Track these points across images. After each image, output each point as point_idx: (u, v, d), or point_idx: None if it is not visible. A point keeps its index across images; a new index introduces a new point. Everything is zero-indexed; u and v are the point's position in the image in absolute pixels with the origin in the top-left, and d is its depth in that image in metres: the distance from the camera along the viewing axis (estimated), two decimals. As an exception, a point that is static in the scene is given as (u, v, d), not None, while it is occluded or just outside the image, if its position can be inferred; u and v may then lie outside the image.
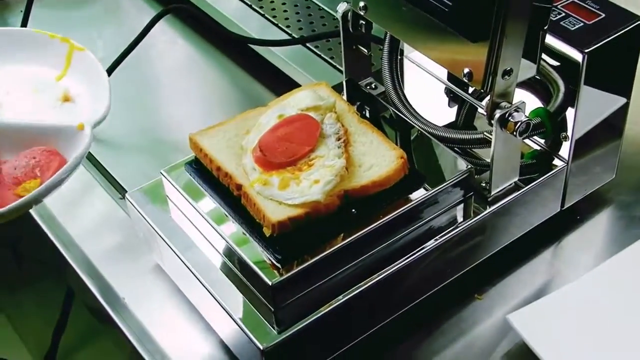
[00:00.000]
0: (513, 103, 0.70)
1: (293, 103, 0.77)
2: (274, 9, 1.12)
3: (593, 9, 0.76)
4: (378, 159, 0.73)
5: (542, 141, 0.80)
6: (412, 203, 0.72)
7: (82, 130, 0.73)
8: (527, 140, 0.80)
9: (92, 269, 0.82)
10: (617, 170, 0.84)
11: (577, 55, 0.73)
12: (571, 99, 0.75)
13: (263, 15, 1.11)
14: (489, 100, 0.70)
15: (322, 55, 1.03)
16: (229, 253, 0.71)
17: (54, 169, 0.70)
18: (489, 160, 0.74)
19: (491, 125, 0.71)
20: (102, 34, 1.17)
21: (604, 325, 0.73)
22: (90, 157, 0.97)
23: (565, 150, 0.78)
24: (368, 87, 0.87)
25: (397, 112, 0.83)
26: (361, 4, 0.77)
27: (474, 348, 0.74)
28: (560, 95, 0.76)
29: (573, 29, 0.74)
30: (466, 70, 0.69)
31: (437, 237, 0.73)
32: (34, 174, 0.71)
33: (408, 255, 0.71)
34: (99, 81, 0.77)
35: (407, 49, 0.88)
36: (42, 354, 1.06)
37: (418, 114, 0.82)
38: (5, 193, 0.71)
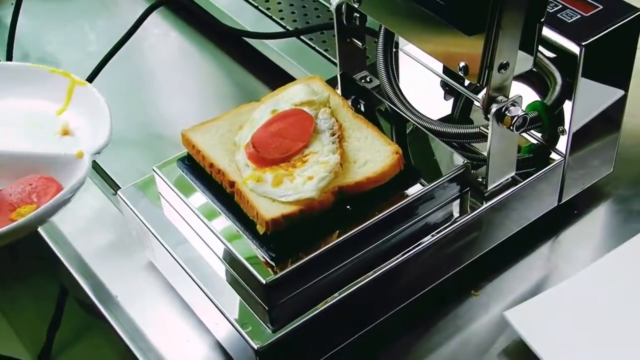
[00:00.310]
0: (510, 97, 0.69)
1: (287, 98, 0.76)
2: (267, 1, 1.11)
3: (590, 1, 0.75)
4: (373, 154, 0.72)
5: (539, 135, 0.79)
6: (407, 199, 0.71)
7: (81, 158, 0.72)
8: (524, 134, 0.79)
9: (85, 267, 0.81)
10: (615, 163, 0.84)
11: (574, 48, 0.72)
12: (568, 92, 0.74)
13: (257, 8, 1.10)
14: (485, 94, 0.69)
15: (317, 48, 1.02)
16: (222, 251, 0.70)
17: (51, 195, 0.70)
18: (485, 154, 0.73)
19: (487, 119, 0.70)
20: (95, 26, 1.16)
21: (602, 322, 0.72)
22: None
23: (562, 144, 0.77)
24: (363, 81, 0.86)
25: (392, 106, 0.82)
26: (355, -4, 0.76)
27: (471, 345, 0.74)
28: (557, 88, 0.75)
29: (570, 21, 0.74)
30: (462, 64, 0.68)
31: (433, 233, 0.72)
32: (30, 200, 0.71)
33: (404, 252, 0.71)
34: (101, 114, 0.77)
35: (402, 42, 0.87)
36: (37, 349, 1.05)
37: (413, 107, 0.81)
38: (1, 218, 0.70)
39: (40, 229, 0.84)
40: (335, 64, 0.89)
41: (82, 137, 0.78)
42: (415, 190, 0.72)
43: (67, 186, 0.72)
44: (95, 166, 0.94)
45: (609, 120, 0.80)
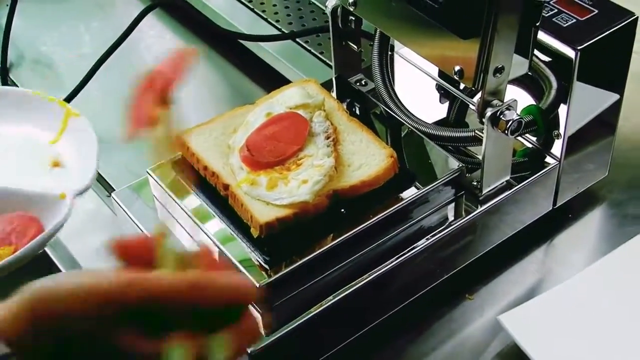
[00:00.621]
0: (505, 101, 0.69)
1: (281, 101, 0.75)
2: (263, 4, 1.11)
3: (586, 5, 0.75)
4: (368, 158, 0.71)
5: (534, 139, 0.79)
6: (402, 202, 0.71)
7: (64, 199, 0.73)
8: (519, 138, 0.79)
9: (79, 269, 0.81)
10: (610, 167, 0.84)
11: (569, 52, 0.72)
12: (563, 96, 0.74)
13: (252, 10, 1.10)
14: (480, 98, 0.69)
15: (312, 51, 1.02)
16: (216, 254, 0.70)
17: (30, 236, 0.70)
18: (480, 158, 0.73)
19: (482, 123, 0.70)
20: (89, 27, 1.16)
21: (596, 326, 0.72)
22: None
23: (557, 148, 0.77)
24: (358, 84, 0.86)
25: (387, 109, 0.82)
26: (350, -1, 0.76)
27: (465, 348, 0.74)
28: (553, 92, 0.75)
29: (565, 25, 0.73)
30: (457, 67, 0.68)
31: (428, 237, 0.72)
32: (9, 241, 0.71)
33: (398, 256, 0.70)
34: (89, 149, 0.78)
35: (398, 45, 0.87)
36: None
37: (408, 111, 0.81)
38: None
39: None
40: (330, 66, 0.88)
41: (70, 171, 0.78)
42: (410, 193, 0.71)
43: (47, 225, 0.72)
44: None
45: (604, 124, 0.80)
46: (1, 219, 0.73)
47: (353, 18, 0.80)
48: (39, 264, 0.87)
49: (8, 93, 0.85)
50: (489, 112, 0.69)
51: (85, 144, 0.78)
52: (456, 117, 0.84)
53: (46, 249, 0.83)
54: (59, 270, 0.81)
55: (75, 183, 0.75)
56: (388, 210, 0.70)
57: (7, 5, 1.08)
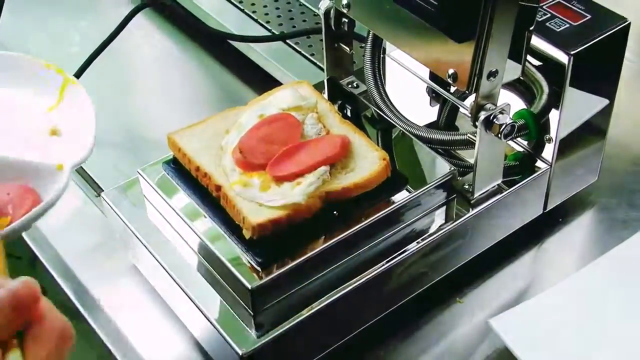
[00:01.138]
0: (498, 105, 0.69)
1: (274, 103, 0.75)
2: (253, 4, 1.10)
3: (579, 10, 0.75)
4: (360, 160, 0.71)
5: (526, 143, 0.80)
6: (394, 205, 0.71)
7: (61, 170, 0.71)
8: (510, 142, 0.79)
9: (66, 269, 0.81)
10: (600, 172, 0.84)
11: (562, 57, 0.72)
12: (555, 100, 0.75)
13: (242, 11, 1.09)
14: (473, 101, 0.69)
15: (303, 52, 1.02)
16: (207, 255, 0.69)
17: (27, 207, 0.68)
18: (472, 161, 0.73)
19: (475, 126, 0.70)
20: (79, 27, 1.16)
21: (586, 330, 0.72)
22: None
23: (548, 152, 0.78)
24: (350, 86, 0.85)
25: (379, 111, 0.81)
26: (344, 1, 0.76)
27: (455, 352, 0.74)
28: (544, 96, 0.75)
29: (559, 30, 0.74)
30: (451, 71, 0.68)
31: (419, 240, 0.72)
32: (6, 211, 0.69)
33: (390, 258, 0.70)
34: (87, 119, 0.76)
35: (390, 47, 0.87)
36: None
37: (400, 113, 0.81)
38: None
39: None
40: (321, 68, 0.88)
41: (68, 140, 0.76)
42: (401, 196, 0.71)
43: (44, 196, 0.70)
44: (79, 168, 0.93)
45: (595, 129, 0.80)
46: None
47: (346, 20, 0.80)
48: (24, 262, 0.87)
49: (3, 57, 0.82)
50: (482, 115, 0.69)
51: (83, 113, 0.77)
52: (446, 120, 0.84)
53: (33, 248, 0.83)
54: (46, 270, 0.81)
55: (73, 154, 0.73)
56: (380, 213, 0.70)
57: (-5, 3, 1.07)
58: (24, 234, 0.83)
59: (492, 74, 0.67)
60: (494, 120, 0.69)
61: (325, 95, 0.84)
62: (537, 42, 0.73)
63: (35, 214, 0.68)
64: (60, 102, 0.78)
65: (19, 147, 0.74)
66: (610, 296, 0.75)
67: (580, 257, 0.81)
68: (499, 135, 0.69)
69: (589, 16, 0.74)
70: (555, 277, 0.78)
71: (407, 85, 0.86)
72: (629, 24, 0.74)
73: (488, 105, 0.69)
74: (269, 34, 1.05)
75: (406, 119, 0.80)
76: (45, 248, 0.83)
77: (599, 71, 0.76)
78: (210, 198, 0.71)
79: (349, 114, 0.82)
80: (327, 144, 0.71)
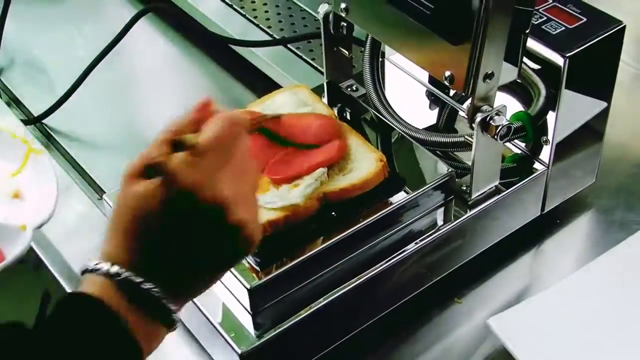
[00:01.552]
0: (494, 107, 0.70)
1: (273, 107, 0.76)
2: (255, 10, 1.11)
3: (574, 13, 0.76)
4: (358, 162, 0.72)
5: (523, 145, 0.80)
6: (392, 206, 0.71)
7: (24, 231, 0.77)
8: (507, 144, 0.80)
9: (70, 271, 0.81)
10: (597, 174, 0.84)
11: (558, 59, 0.73)
12: (552, 102, 0.75)
13: (244, 16, 1.10)
14: (470, 103, 0.70)
15: (303, 57, 1.03)
16: (208, 256, 0.70)
17: None
18: (469, 163, 0.73)
19: (472, 128, 0.70)
20: (82, 31, 1.16)
21: (584, 330, 0.72)
22: (68, 157, 0.96)
23: (545, 154, 0.78)
24: (349, 89, 0.86)
25: (378, 114, 0.82)
26: (342, 5, 0.77)
27: (453, 352, 0.74)
28: (541, 99, 0.76)
29: (554, 33, 0.74)
30: (447, 73, 0.69)
31: (417, 241, 0.73)
32: None
33: (388, 259, 0.71)
34: (50, 185, 0.82)
35: (389, 51, 0.87)
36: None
37: (399, 116, 0.82)
38: None
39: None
40: (321, 72, 0.89)
41: (30, 203, 0.82)
42: (399, 197, 0.72)
43: (7, 254, 0.76)
44: (81, 170, 0.94)
45: (592, 131, 0.81)
46: None
47: (345, 24, 0.81)
48: (28, 266, 0.88)
49: None
50: (478, 117, 0.69)
51: (45, 181, 0.83)
52: (446, 123, 0.85)
53: (37, 250, 0.83)
54: (50, 273, 0.82)
55: (35, 216, 0.79)
56: (378, 214, 0.70)
57: (0, 8, 1.08)
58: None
59: (488, 76, 0.68)
60: (491, 122, 0.70)
61: (325, 99, 0.85)
62: (533, 44, 0.73)
63: (1, 268, 0.74)
64: (23, 167, 0.85)
65: None
66: (608, 296, 0.75)
67: (578, 259, 0.81)
68: (496, 136, 0.70)
69: (585, 19, 0.75)
70: (553, 277, 0.79)
71: (406, 88, 0.86)
72: (624, 26, 0.75)
73: (484, 107, 0.69)
74: (270, 38, 1.06)
75: (405, 121, 0.81)
76: (50, 252, 0.83)
77: (595, 74, 0.77)
78: (210, 199, 0.71)
79: (348, 116, 0.83)
80: (324, 146, 0.72)
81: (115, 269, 0.51)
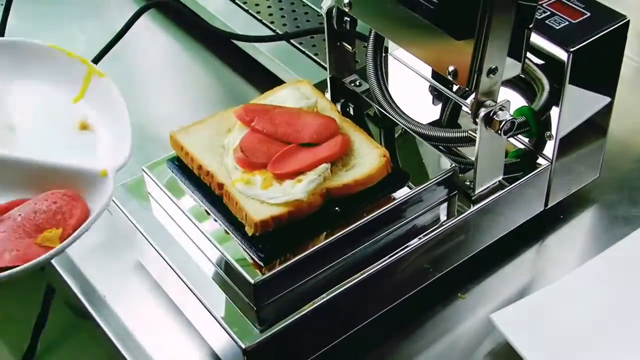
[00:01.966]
0: (498, 101, 0.70)
1: (276, 103, 0.76)
2: (257, 5, 1.11)
3: (578, 8, 0.76)
4: (361, 157, 0.72)
5: (527, 140, 0.80)
6: (395, 201, 0.71)
7: (105, 177, 0.68)
8: (511, 139, 0.80)
9: (73, 266, 0.81)
10: (601, 169, 0.84)
11: (562, 54, 0.73)
12: (556, 98, 0.75)
13: (247, 11, 1.10)
14: (473, 98, 0.70)
15: (306, 52, 1.03)
16: (211, 251, 0.70)
17: (77, 217, 0.65)
18: (473, 158, 0.73)
19: (476, 123, 0.70)
20: (84, 28, 1.16)
21: (587, 325, 0.72)
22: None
23: (549, 149, 0.78)
24: (352, 85, 0.86)
25: (381, 109, 0.82)
26: (345, 0, 0.77)
27: (457, 347, 0.74)
28: (545, 94, 0.76)
29: (558, 27, 0.74)
30: (451, 68, 0.69)
31: (420, 236, 0.73)
32: (56, 221, 0.65)
33: (391, 254, 0.71)
34: (120, 115, 0.71)
35: (392, 46, 0.87)
36: (22, 349, 1.05)
37: (402, 111, 0.82)
38: (26, 241, 0.65)
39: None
40: (324, 68, 0.89)
41: (101, 136, 0.72)
42: (403, 193, 0.72)
43: (91, 204, 0.67)
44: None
45: (596, 126, 0.80)
46: (42, 197, 0.67)
47: (348, 19, 0.81)
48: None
49: (21, 45, 0.77)
50: (482, 112, 0.69)
51: (113, 107, 0.72)
52: (449, 118, 0.85)
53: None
54: (53, 267, 0.82)
55: (112, 154, 0.69)
56: (381, 209, 0.70)
57: (2, 5, 1.08)
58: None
59: (492, 71, 0.68)
60: (494, 116, 0.70)
61: (328, 94, 0.85)
62: (536, 39, 0.73)
63: (87, 226, 0.65)
64: (85, 92, 0.73)
65: (49, 147, 0.70)
66: (612, 292, 0.75)
67: (582, 254, 0.81)
68: (499, 131, 0.70)
69: (589, 14, 0.75)
70: (556, 273, 0.79)
71: (409, 83, 0.86)
72: (628, 21, 0.75)
73: (488, 102, 0.69)
74: (273, 33, 1.06)
75: (408, 116, 0.81)
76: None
77: (598, 68, 0.77)
78: (213, 195, 0.72)
79: (351, 111, 0.83)
80: (327, 142, 0.72)
81: None
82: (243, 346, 0.65)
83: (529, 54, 0.73)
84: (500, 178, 0.76)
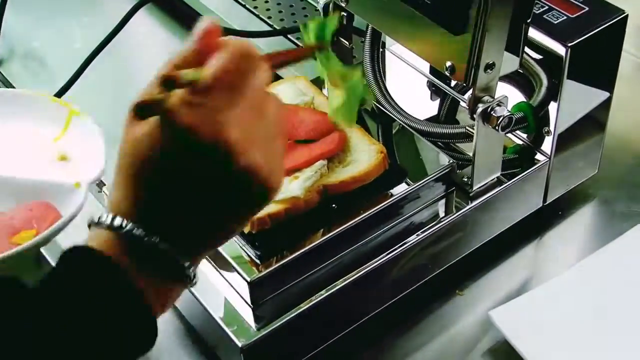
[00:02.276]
0: (495, 97, 0.69)
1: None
2: (255, 0, 1.11)
3: (576, 2, 0.75)
4: (358, 154, 0.72)
5: (525, 136, 0.80)
6: (393, 198, 0.71)
7: (78, 188, 0.76)
8: (509, 135, 0.80)
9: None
10: (600, 165, 0.84)
11: (560, 49, 0.72)
12: (554, 93, 0.75)
13: (244, 6, 1.10)
14: (471, 94, 0.69)
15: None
16: (208, 249, 0.70)
17: (50, 222, 0.74)
18: (471, 154, 0.73)
19: (473, 119, 0.70)
20: (81, 22, 1.16)
21: (586, 322, 0.72)
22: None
23: (547, 145, 0.78)
24: (349, 80, 0.85)
25: (378, 105, 0.82)
26: (342, -5, 0.77)
27: (456, 344, 0.74)
28: (543, 89, 0.75)
29: (556, 22, 0.74)
30: (448, 63, 0.68)
31: (418, 233, 0.72)
32: (31, 225, 0.74)
33: (389, 251, 0.71)
34: (95, 143, 0.81)
35: (389, 42, 0.87)
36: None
37: (400, 107, 0.81)
38: (2, 241, 0.73)
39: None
40: (322, 63, 0.88)
41: (78, 163, 0.81)
42: (400, 189, 0.72)
43: (64, 212, 0.75)
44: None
45: (594, 122, 0.80)
46: (20, 206, 0.76)
47: (345, 14, 0.80)
48: (31, 260, 0.87)
49: (5, 94, 0.88)
50: (479, 107, 0.69)
51: (89, 140, 0.81)
52: (447, 114, 0.84)
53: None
54: (50, 265, 0.81)
55: (86, 173, 0.78)
56: (379, 206, 0.70)
57: (-1, 0, 1.08)
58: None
59: (489, 67, 0.67)
60: (492, 112, 0.69)
61: (325, 90, 0.84)
62: (534, 34, 0.73)
63: (58, 227, 0.73)
64: (65, 131, 0.83)
65: (30, 172, 0.80)
66: (611, 288, 0.75)
67: (580, 250, 0.81)
68: (497, 127, 0.69)
69: (587, 8, 0.75)
70: (555, 269, 0.78)
71: (406, 79, 0.86)
72: (627, 15, 0.74)
73: (485, 98, 0.69)
74: (271, 29, 1.05)
75: (405, 112, 0.80)
76: (50, 244, 0.83)
77: (597, 63, 0.76)
78: (210, 192, 0.71)
79: (348, 108, 0.82)
80: (324, 138, 0.72)
81: (118, 221, 0.47)
82: (240, 344, 0.65)
83: (526, 49, 0.73)
84: (499, 174, 0.76)
